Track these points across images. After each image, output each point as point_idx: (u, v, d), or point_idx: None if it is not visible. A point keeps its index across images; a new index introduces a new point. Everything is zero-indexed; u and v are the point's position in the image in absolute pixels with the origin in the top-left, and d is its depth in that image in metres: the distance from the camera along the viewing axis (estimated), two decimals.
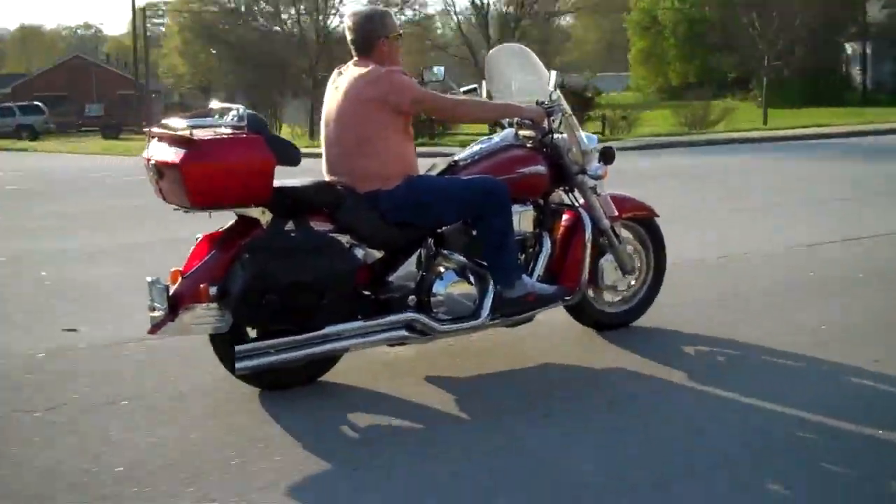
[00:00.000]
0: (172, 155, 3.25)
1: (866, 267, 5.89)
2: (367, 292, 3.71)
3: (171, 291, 3.40)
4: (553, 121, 4.03)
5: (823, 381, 3.78)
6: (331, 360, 3.80)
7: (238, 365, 3.47)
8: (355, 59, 3.75)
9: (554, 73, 4.05)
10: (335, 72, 3.82)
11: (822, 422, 3.28)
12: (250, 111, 3.40)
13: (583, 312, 4.43)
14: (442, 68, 4.30)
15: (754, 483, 2.80)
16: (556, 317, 4.40)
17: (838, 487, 2.79)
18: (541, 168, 4.03)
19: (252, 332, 3.61)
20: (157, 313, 3.41)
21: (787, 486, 2.77)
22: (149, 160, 3.40)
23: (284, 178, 3.50)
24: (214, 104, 3.57)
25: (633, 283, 4.48)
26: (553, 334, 4.43)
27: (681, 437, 3.20)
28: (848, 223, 7.65)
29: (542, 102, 4.02)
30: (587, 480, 2.86)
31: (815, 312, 4.79)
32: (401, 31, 3.82)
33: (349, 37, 3.74)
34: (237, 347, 3.46)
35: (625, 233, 4.47)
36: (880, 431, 3.16)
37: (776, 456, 3.00)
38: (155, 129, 3.37)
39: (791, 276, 5.76)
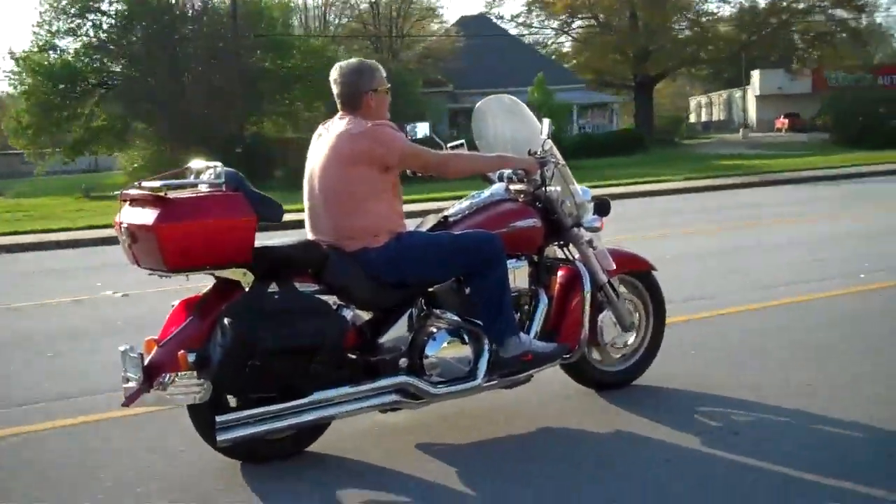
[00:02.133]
0: (146, 217, 3.07)
1: None
2: (355, 356, 3.51)
3: (147, 361, 3.20)
4: (546, 171, 3.89)
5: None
6: (318, 428, 3.59)
7: (219, 437, 3.25)
8: (340, 113, 3.61)
9: (546, 121, 3.93)
10: (320, 126, 3.68)
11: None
12: (228, 168, 3.24)
13: (582, 372, 4.24)
14: (427, 124, 4.17)
15: None
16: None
17: None
18: (534, 221, 3.88)
19: (233, 401, 3.40)
20: (131, 384, 3.20)
21: None
22: (120, 224, 3.22)
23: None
24: (193, 163, 3.41)
25: (632, 340, 4.30)
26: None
27: None
28: None
29: (535, 153, 3.88)
30: None
31: None
32: (389, 85, 3.69)
33: (335, 90, 3.60)
34: (218, 418, 3.24)
35: (622, 288, 4.31)
36: None
37: None
38: (127, 192, 3.20)
39: None
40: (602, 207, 4.05)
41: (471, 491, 3.22)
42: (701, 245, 9.55)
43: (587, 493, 3.15)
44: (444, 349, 3.62)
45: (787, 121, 52.92)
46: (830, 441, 3.55)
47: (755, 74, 55.08)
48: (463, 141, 4.18)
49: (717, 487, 3.15)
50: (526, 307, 3.92)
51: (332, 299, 3.41)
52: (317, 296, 3.36)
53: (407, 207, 3.87)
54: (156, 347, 3.26)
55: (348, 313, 3.43)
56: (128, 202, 3.24)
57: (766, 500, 3.04)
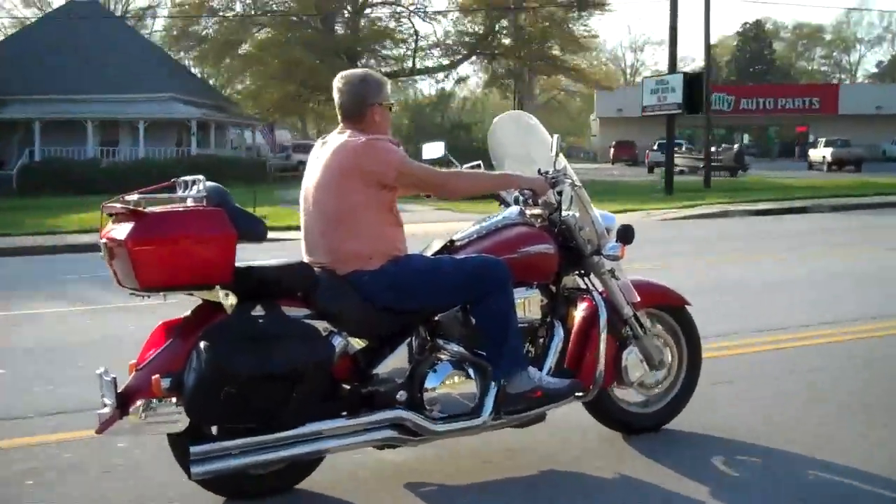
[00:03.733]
0: (121, 232, 2.92)
1: None
2: (348, 387, 3.28)
3: (122, 386, 3.02)
4: (559, 193, 3.61)
5: None
6: (309, 464, 3.36)
7: (193, 469, 3.04)
8: (341, 126, 3.42)
9: (556, 136, 3.66)
10: (319, 141, 3.49)
11: None
12: (212, 183, 3.07)
13: (607, 413, 3.93)
14: (441, 143, 3.96)
15: None
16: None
17: None
18: (548, 247, 3.60)
19: (215, 430, 3.19)
20: (105, 410, 3.02)
21: None
22: (102, 238, 3.07)
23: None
24: (184, 177, 3.25)
25: (662, 379, 3.96)
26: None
27: None
28: None
29: (546, 172, 3.62)
30: None
31: None
32: (393, 101, 3.49)
33: (337, 99, 3.40)
34: (192, 449, 3.04)
35: (653, 323, 3.98)
36: None
37: None
38: (109, 205, 3.06)
39: None
40: (625, 234, 3.74)
41: None
42: None
43: None
44: (447, 383, 3.36)
45: (616, 150, 49.82)
46: None
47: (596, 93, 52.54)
48: (479, 161, 3.94)
49: None
50: (540, 340, 3.64)
51: (322, 325, 3.19)
52: (304, 321, 3.14)
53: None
54: (134, 371, 3.10)
55: (339, 341, 3.20)
56: (111, 217, 3.10)
57: None
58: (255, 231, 3.06)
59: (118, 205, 3.01)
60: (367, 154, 3.25)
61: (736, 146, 38.07)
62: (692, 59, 72.10)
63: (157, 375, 2.98)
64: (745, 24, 72.84)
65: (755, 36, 72.06)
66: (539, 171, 3.63)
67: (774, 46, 74.43)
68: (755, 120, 56.05)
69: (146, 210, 2.95)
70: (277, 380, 3.00)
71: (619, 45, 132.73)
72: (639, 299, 3.81)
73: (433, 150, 3.96)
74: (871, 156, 43.15)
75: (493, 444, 3.78)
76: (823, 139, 41.22)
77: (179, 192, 3.13)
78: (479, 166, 3.89)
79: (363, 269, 3.24)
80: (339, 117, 3.43)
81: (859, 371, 5.04)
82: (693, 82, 23.80)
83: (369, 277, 3.24)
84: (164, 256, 2.90)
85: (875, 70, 78.83)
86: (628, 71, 79.60)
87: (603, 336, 3.62)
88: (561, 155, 3.60)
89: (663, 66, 64.62)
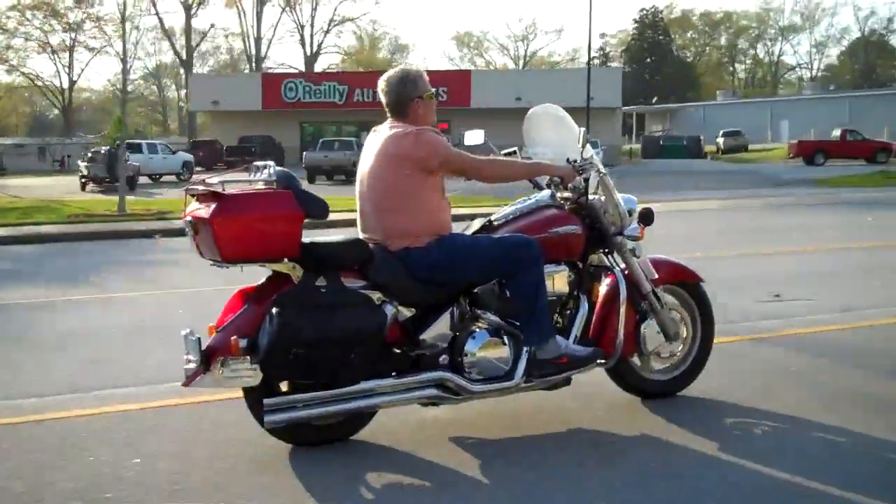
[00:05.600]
0: (204, 210, 3.37)
1: None
2: (398, 350, 3.71)
3: (205, 345, 3.48)
4: (585, 179, 4.02)
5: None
6: (363, 417, 3.79)
7: (267, 418, 3.50)
8: (390, 120, 3.84)
9: (582, 129, 4.06)
10: (371, 131, 3.92)
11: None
12: (280, 167, 3.51)
13: (626, 379, 4.33)
14: (482, 132, 4.35)
15: None
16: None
17: None
18: (576, 228, 4.01)
19: (285, 387, 3.64)
20: (190, 366, 3.48)
21: None
22: (185, 216, 3.53)
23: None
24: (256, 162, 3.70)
25: (677, 350, 4.36)
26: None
27: None
28: None
29: (574, 161, 4.02)
30: None
31: None
32: (433, 90, 3.90)
33: (383, 99, 3.84)
34: (265, 401, 3.50)
35: (670, 298, 4.38)
36: None
37: None
38: (192, 187, 3.50)
39: None
40: (646, 217, 4.14)
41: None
42: None
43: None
44: (484, 348, 3.78)
45: None
46: None
47: None
48: (515, 149, 4.35)
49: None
50: (568, 312, 4.05)
51: (377, 295, 3.62)
52: (361, 291, 3.58)
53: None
54: (214, 333, 3.55)
55: (391, 309, 3.63)
56: (194, 197, 3.54)
57: None
58: (319, 211, 3.49)
59: (201, 187, 3.46)
60: (413, 144, 3.67)
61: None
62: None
63: (235, 337, 3.43)
64: (642, 10, 70.65)
65: (652, 24, 69.51)
66: (568, 159, 4.04)
67: (674, 35, 71.63)
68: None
69: (226, 192, 3.39)
70: (337, 342, 3.44)
71: None
72: (657, 276, 4.21)
73: (474, 137, 4.37)
74: None
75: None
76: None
77: (251, 176, 3.57)
78: (514, 153, 4.31)
79: (412, 246, 3.67)
80: (388, 113, 3.85)
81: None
82: None
83: (417, 253, 3.67)
84: (242, 232, 3.35)
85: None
86: None
87: (623, 309, 4.02)
88: (588, 145, 4.00)
89: None
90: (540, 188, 4.28)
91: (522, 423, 4.03)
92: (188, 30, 67.66)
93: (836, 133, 39.82)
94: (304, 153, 33.30)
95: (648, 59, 69.69)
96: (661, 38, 71.27)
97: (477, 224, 4.08)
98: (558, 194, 4.15)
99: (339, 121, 46.19)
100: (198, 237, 3.48)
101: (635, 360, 4.30)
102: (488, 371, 3.79)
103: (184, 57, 68.24)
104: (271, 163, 3.51)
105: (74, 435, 3.99)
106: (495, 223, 4.03)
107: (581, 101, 34.40)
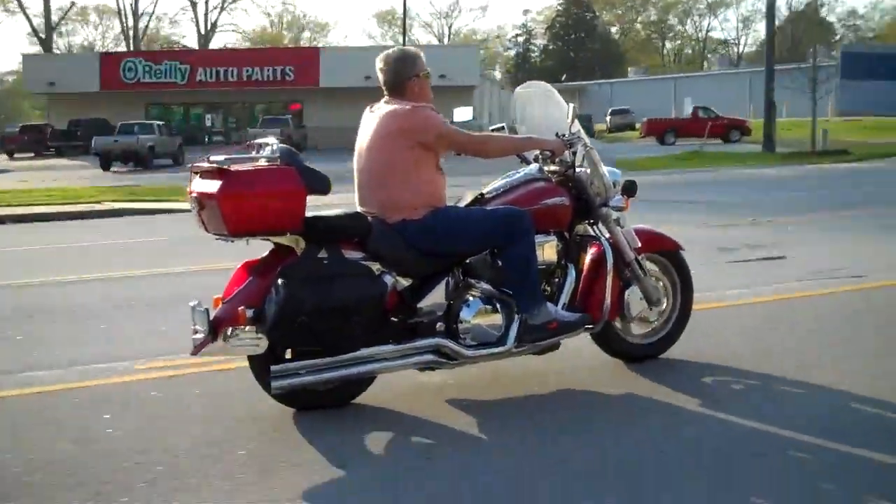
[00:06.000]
0: (211, 186, 3.51)
1: None
2: (396, 318, 3.89)
3: (212, 315, 3.64)
4: (573, 153, 4.20)
5: None
6: (364, 382, 3.97)
7: (273, 384, 3.67)
8: (387, 97, 3.99)
9: (571, 106, 4.23)
10: (367, 109, 4.06)
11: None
12: (283, 145, 3.65)
13: (611, 344, 4.53)
14: (470, 108, 4.52)
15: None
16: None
17: None
18: (563, 199, 4.19)
19: (289, 355, 3.81)
20: (198, 336, 3.64)
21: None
22: (191, 193, 3.67)
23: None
24: (256, 140, 3.84)
25: (659, 315, 4.57)
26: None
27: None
28: None
29: (563, 135, 4.20)
30: None
31: None
32: (429, 70, 4.05)
33: (380, 77, 3.98)
34: (272, 367, 3.67)
35: (651, 266, 4.58)
36: None
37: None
38: (197, 165, 3.64)
39: None
40: (629, 188, 4.34)
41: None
42: None
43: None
44: (478, 315, 3.96)
45: None
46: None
47: None
48: (503, 124, 4.52)
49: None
50: (556, 280, 4.24)
51: (375, 266, 3.79)
52: (361, 262, 3.75)
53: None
54: (221, 304, 3.70)
55: (389, 279, 3.80)
56: (198, 174, 3.68)
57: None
58: (321, 186, 3.65)
59: (205, 164, 3.60)
60: (410, 119, 3.83)
61: None
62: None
63: (241, 307, 3.59)
64: None
65: (577, 0, 67.79)
66: (557, 134, 4.21)
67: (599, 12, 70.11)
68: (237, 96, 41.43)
69: (231, 168, 3.53)
70: (340, 311, 3.61)
71: None
72: (640, 245, 4.42)
73: (462, 113, 4.53)
74: None
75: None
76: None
77: (253, 153, 3.72)
78: (502, 129, 4.48)
79: (409, 218, 3.84)
80: (385, 91, 4.00)
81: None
82: None
83: (414, 226, 3.84)
84: (248, 207, 3.51)
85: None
86: None
87: (609, 277, 4.22)
88: (576, 121, 4.18)
89: None
90: (527, 162, 4.46)
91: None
92: (47, 8, 61.11)
93: (689, 111, 39.41)
94: (94, 138, 32.01)
95: (573, 35, 68.85)
96: (586, 14, 70.46)
97: (469, 197, 4.26)
98: (546, 168, 4.33)
99: (187, 101, 43.82)
100: (203, 213, 3.62)
101: (618, 324, 4.51)
102: (482, 337, 3.98)
103: (42, 36, 61.32)
104: (274, 140, 3.65)
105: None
106: (487, 196, 4.20)
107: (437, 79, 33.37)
